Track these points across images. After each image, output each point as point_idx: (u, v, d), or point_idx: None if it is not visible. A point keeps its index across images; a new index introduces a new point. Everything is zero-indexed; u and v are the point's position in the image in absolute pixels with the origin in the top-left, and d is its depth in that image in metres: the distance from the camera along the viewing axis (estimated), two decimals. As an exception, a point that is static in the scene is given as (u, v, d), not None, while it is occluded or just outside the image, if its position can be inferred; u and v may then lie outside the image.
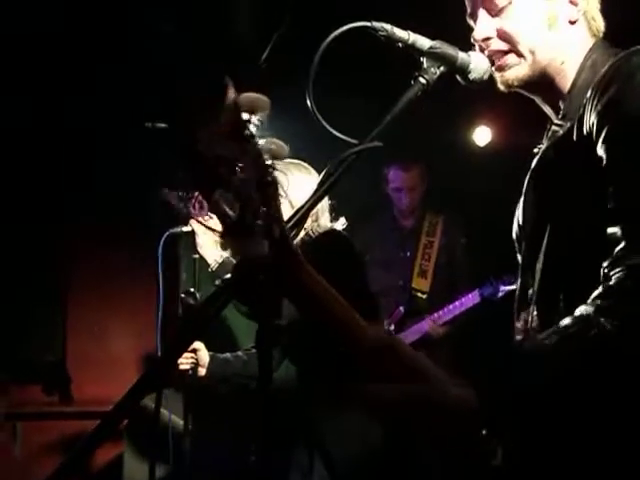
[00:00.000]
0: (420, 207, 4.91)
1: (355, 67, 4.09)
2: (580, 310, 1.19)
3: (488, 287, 4.40)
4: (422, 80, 1.42)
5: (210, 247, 3.29)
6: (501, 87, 1.54)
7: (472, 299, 4.46)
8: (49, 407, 5.08)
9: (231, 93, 1.03)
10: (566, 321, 1.19)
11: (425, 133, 4.64)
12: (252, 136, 1.05)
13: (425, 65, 1.44)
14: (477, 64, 1.49)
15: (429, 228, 4.88)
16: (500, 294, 4.37)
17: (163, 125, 5.06)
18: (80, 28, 4.20)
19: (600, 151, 1.32)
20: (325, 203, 3.07)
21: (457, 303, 4.50)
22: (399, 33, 1.44)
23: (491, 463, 1.17)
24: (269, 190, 1.06)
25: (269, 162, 1.07)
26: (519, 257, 1.62)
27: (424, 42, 1.45)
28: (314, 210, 2.87)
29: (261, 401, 1.18)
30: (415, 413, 1.09)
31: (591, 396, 1.18)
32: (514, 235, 1.66)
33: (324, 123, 1.39)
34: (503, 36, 1.51)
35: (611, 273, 1.22)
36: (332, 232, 3.04)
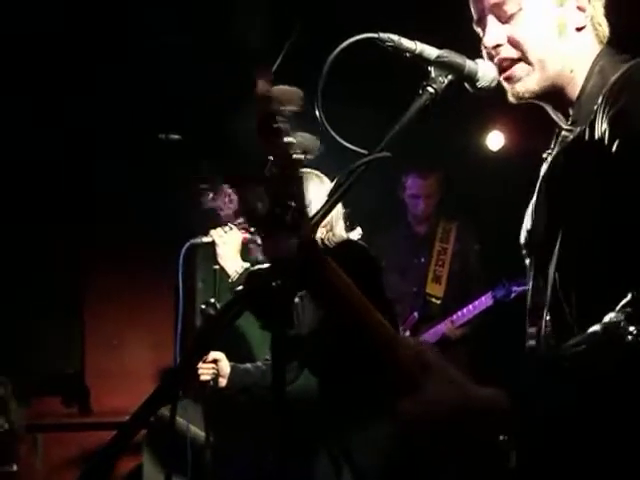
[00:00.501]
0: (434, 214, 4.93)
1: (364, 77, 4.10)
2: (609, 317, 1.20)
3: (501, 289, 4.44)
4: (430, 89, 1.43)
5: (231, 258, 3.28)
6: (511, 99, 1.55)
7: (485, 302, 4.50)
8: (68, 419, 5.11)
9: (263, 85, 1.01)
10: (595, 328, 1.19)
11: (438, 139, 4.65)
12: (283, 129, 1.03)
13: (433, 74, 1.44)
14: (485, 72, 1.50)
15: (443, 234, 4.90)
16: (513, 295, 4.40)
17: (176, 137, 5.10)
18: (80, 28, 4.23)
19: (612, 161, 1.32)
20: (339, 212, 3.08)
21: (470, 306, 4.54)
22: (406, 43, 1.45)
23: (506, 466, 1.17)
24: (297, 185, 1.05)
25: (299, 157, 1.05)
26: (527, 262, 1.63)
27: (431, 51, 1.46)
28: (327, 220, 2.89)
29: (276, 410, 1.18)
30: (448, 419, 1.11)
31: (620, 405, 1.19)
32: (522, 240, 1.67)
33: (333, 133, 1.40)
34: (514, 43, 1.50)
35: None
36: (349, 242, 3.05)
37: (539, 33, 1.49)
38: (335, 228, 3.04)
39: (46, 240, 5.13)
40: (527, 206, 1.67)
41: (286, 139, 1.04)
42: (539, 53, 1.49)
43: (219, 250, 3.29)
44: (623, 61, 1.47)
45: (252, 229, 3.15)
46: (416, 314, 4.64)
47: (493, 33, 1.51)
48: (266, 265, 1.19)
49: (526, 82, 1.51)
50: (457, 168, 4.97)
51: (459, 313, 4.55)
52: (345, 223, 3.11)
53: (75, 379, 5.20)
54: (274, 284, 1.10)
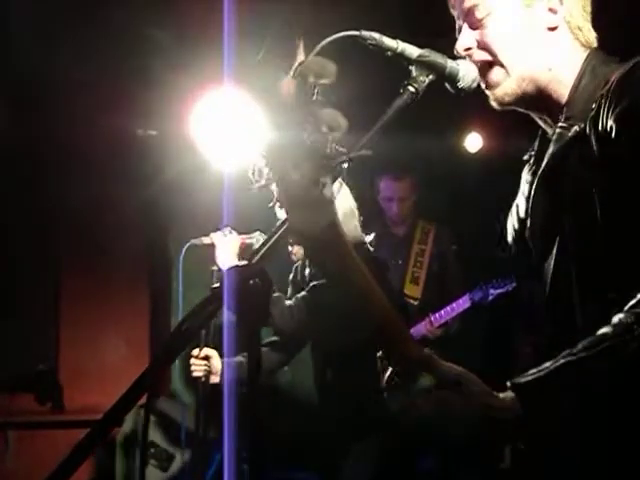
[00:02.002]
0: (412, 215, 4.94)
1: (346, 74, 4.09)
2: (619, 318, 1.21)
3: (478, 292, 4.46)
4: (411, 88, 1.43)
5: (229, 260, 3.38)
6: (494, 105, 1.57)
7: (462, 304, 4.52)
8: (41, 416, 5.06)
9: (300, 55, 0.99)
10: (605, 330, 1.20)
11: (416, 140, 4.66)
12: (318, 102, 1.01)
13: (414, 73, 1.44)
14: (466, 72, 1.50)
15: (421, 236, 4.91)
16: (490, 298, 4.42)
17: (154, 132, 5.08)
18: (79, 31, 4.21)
19: (621, 153, 1.35)
20: (352, 213, 3.10)
21: (448, 308, 4.56)
22: (388, 42, 1.45)
23: (499, 466, 1.18)
24: (328, 161, 1.04)
25: (328, 132, 1.03)
26: (516, 261, 1.64)
27: (413, 50, 1.46)
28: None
29: (249, 408, 1.17)
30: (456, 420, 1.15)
31: (632, 408, 1.20)
32: (510, 242, 1.68)
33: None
34: (482, 46, 1.54)
35: None
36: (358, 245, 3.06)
37: (506, 34, 1.53)
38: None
39: (20, 237, 5.08)
40: (507, 207, 1.69)
41: (321, 112, 1.03)
42: (507, 52, 1.52)
43: (218, 252, 3.39)
44: (614, 62, 1.50)
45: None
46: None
47: (463, 38, 1.55)
48: (243, 262, 1.18)
49: (504, 85, 1.53)
50: (435, 170, 4.98)
51: (437, 315, 4.57)
52: (361, 227, 3.15)
53: (49, 376, 5.15)
54: (251, 281, 1.09)
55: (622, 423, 1.23)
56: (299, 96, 0.99)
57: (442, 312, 4.56)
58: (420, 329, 4.59)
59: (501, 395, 1.18)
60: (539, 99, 1.55)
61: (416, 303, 4.77)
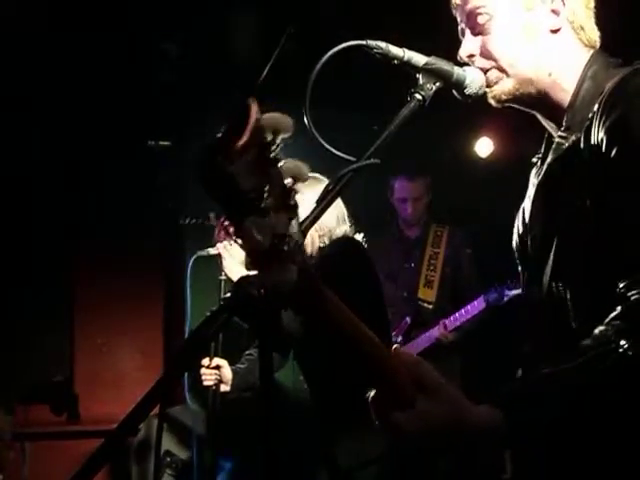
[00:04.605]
0: (425, 217, 4.94)
1: (354, 83, 4.11)
2: (599, 331, 1.20)
3: (493, 293, 4.44)
4: (418, 96, 1.43)
5: (236, 269, 3.44)
6: (492, 102, 1.56)
7: (477, 306, 4.50)
8: (57, 427, 5.08)
9: (254, 113, 0.97)
10: (586, 342, 1.20)
11: (427, 146, 4.67)
12: (276, 159, 0.98)
13: (421, 81, 1.45)
14: (473, 79, 1.51)
15: (434, 239, 4.90)
16: (505, 299, 4.39)
17: (166, 143, 5.10)
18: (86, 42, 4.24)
19: (608, 169, 1.34)
20: (340, 216, 3.11)
21: (463, 311, 4.54)
22: (394, 50, 1.45)
23: (501, 477, 1.18)
24: (292, 214, 1.01)
25: (290, 185, 1.00)
26: (520, 268, 1.63)
27: (419, 59, 1.46)
28: (323, 225, 2.94)
29: (264, 428, 1.17)
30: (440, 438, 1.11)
31: (614, 419, 1.19)
32: (514, 246, 1.68)
33: (321, 140, 1.40)
34: (485, 53, 1.54)
35: (629, 294, 1.23)
36: (343, 238, 3.06)
37: (507, 38, 1.52)
38: (335, 231, 3.06)
39: (35, 247, 5.11)
40: (516, 211, 1.69)
41: (280, 168, 1.00)
42: (508, 58, 1.52)
43: (225, 262, 3.45)
44: (616, 65, 1.49)
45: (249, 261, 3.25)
46: (408, 319, 4.64)
47: (466, 44, 1.55)
48: (253, 272, 1.18)
49: (502, 85, 1.54)
50: (447, 174, 4.99)
51: (451, 317, 4.55)
52: (352, 229, 3.16)
53: (64, 386, 5.17)
54: (261, 291, 1.09)
55: (606, 436, 1.22)
56: (257, 155, 0.96)
57: (456, 315, 4.55)
58: (433, 334, 4.58)
59: (476, 408, 1.14)
60: (539, 101, 1.55)
61: (430, 307, 4.76)
